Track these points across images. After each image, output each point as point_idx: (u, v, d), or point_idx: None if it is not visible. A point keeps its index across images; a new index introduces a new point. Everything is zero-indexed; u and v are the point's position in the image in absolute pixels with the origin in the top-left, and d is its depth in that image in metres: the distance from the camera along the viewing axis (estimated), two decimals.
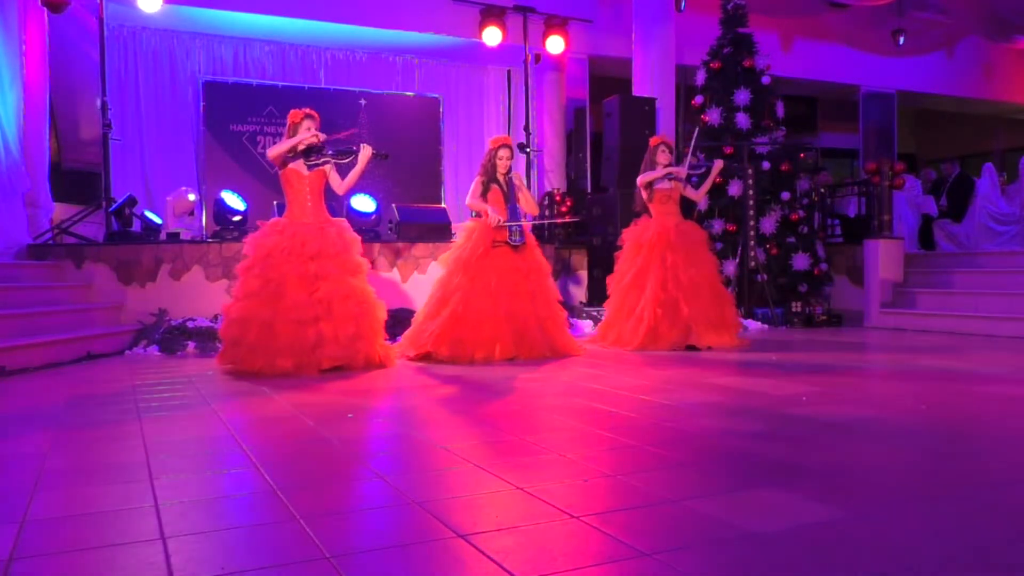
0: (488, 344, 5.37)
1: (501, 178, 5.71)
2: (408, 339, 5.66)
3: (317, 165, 5.13)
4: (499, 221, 5.59)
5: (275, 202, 7.23)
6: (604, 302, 6.64)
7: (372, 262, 7.26)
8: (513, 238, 5.60)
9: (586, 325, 7.34)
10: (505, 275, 5.53)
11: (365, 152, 5.17)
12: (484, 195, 5.70)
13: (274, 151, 5.07)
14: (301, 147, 5.05)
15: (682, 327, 5.92)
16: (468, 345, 5.34)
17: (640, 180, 6.27)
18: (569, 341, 5.83)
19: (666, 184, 6.24)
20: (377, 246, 7.33)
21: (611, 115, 8.61)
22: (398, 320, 6.30)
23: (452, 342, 5.34)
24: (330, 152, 5.16)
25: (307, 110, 5.13)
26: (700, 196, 6.53)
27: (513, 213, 5.68)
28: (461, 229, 5.87)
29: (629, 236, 6.34)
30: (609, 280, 6.48)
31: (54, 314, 5.82)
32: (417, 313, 5.83)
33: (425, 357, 5.40)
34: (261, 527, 2.03)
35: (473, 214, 5.93)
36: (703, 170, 6.51)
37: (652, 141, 6.38)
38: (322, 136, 5.06)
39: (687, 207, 7.00)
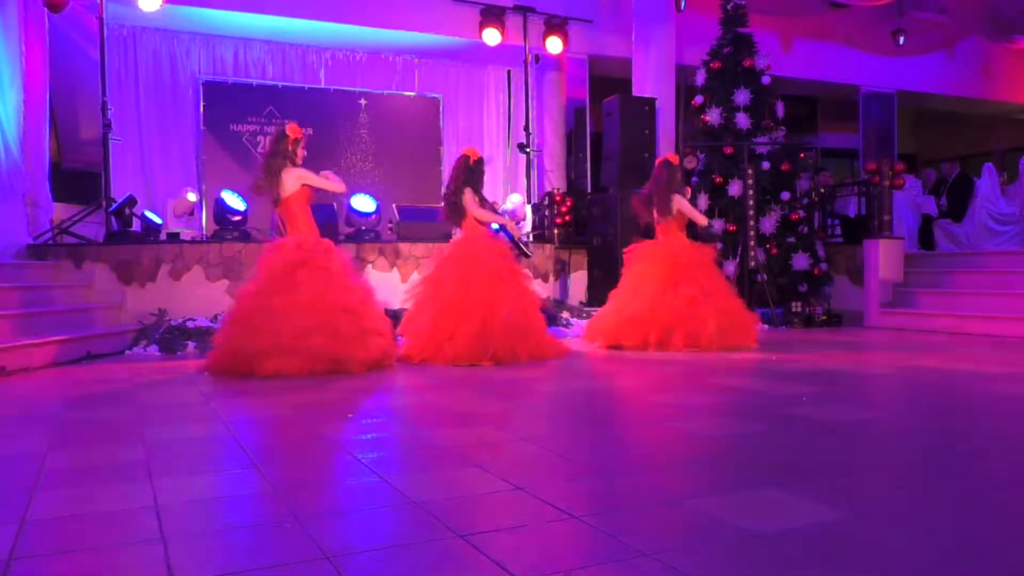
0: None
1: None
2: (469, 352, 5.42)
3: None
4: (523, 234, 5.66)
5: None
6: (604, 303, 6.66)
7: (372, 262, 7.27)
8: (529, 250, 5.66)
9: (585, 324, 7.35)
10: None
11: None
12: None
13: (329, 185, 5.16)
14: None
15: (675, 329, 5.93)
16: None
17: (691, 211, 6.31)
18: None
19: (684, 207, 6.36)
20: (377, 246, 7.33)
21: (611, 115, 8.61)
22: (397, 320, 6.30)
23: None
24: None
25: (301, 132, 5.15)
26: (704, 219, 6.59)
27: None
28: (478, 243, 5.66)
29: (636, 253, 6.39)
30: (611, 294, 6.53)
31: (54, 314, 5.82)
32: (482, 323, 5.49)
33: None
34: (261, 527, 2.03)
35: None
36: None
37: (675, 159, 6.45)
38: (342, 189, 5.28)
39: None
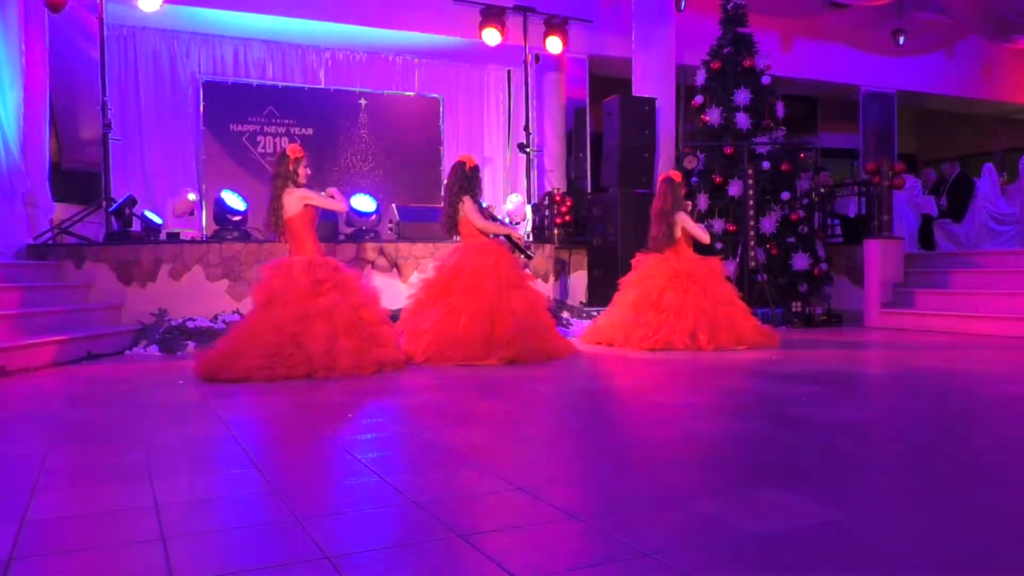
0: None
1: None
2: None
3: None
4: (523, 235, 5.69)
5: None
6: (605, 303, 6.68)
7: (372, 262, 7.27)
8: (530, 251, 5.68)
9: (586, 325, 7.35)
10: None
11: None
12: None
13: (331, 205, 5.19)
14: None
15: (687, 331, 5.96)
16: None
17: (693, 229, 6.30)
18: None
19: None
20: (377, 246, 7.33)
21: (611, 115, 8.61)
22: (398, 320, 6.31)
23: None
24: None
25: (302, 152, 5.16)
26: (707, 237, 6.55)
27: None
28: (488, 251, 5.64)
29: (643, 268, 6.39)
30: (616, 298, 6.56)
31: (54, 314, 5.82)
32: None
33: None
34: (261, 527, 2.03)
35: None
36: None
37: (677, 177, 6.43)
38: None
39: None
